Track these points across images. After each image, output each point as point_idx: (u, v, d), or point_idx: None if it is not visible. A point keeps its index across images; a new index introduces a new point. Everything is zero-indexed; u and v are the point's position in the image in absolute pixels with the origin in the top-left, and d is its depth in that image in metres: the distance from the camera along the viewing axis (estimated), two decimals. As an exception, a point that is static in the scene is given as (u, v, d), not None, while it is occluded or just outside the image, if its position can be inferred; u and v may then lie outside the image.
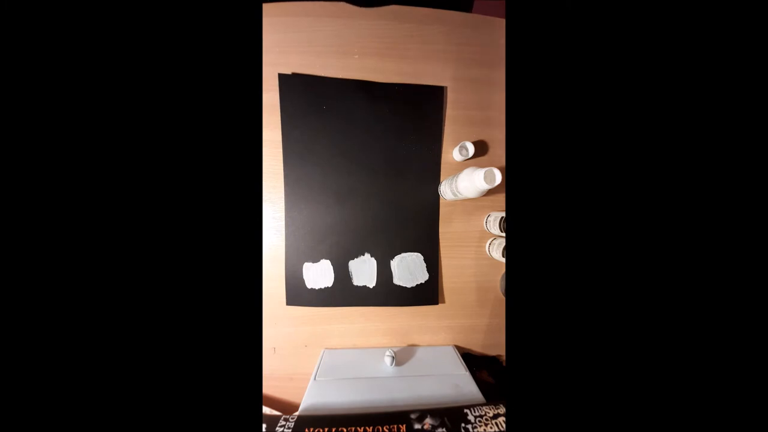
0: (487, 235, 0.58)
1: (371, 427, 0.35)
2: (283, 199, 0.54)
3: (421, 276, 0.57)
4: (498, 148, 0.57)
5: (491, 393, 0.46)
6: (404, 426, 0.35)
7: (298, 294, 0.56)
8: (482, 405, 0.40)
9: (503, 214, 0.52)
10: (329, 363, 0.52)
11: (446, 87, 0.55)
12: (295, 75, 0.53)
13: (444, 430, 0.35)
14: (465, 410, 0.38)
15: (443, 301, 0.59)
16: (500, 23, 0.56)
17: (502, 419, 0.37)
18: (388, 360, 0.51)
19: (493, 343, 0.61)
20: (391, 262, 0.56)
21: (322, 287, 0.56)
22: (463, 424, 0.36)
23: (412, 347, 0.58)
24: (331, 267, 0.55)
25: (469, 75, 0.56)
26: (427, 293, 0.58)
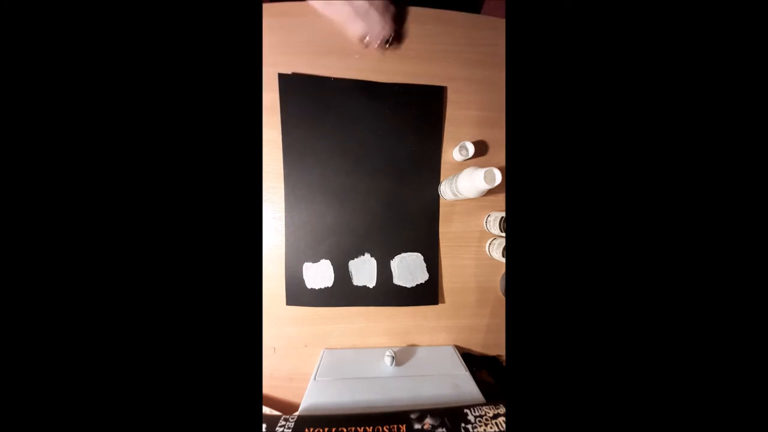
0: (487, 235, 0.58)
1: (371, 427, 0.35)
2: (283, 199, 0.54)
3: (421, 276, 0.57)
4: (498, 148, 0.57)
5: (491, 393, 0.46)
6: (404, 426, 0.35)
7: (298, 294, 0.56)
8: (482, 405, 0.40)
9: (503, 214, 0.52)
10: (329, 363, 0.52)
11: (446, 87, 0.55)
12: (295, 75, 0.53)
13: (444, 430, 0.35)
14: (465, 410, 0.38)
15: (443, 301, 0.59)
16: (500, 23, 0.56)
17: (502, 419, 0.37)
18: (388, 360, 0.51)
19: (493, 343, 0.61)
20: (391, 262, 0.56)
21: (322, 287, 0.56)
22: (463, 424, 0.36)
23: (412, 347, 0.58)
24: (331, 267, 0.55)
25: (469, 75, 0.56)
26: (427, 293, 0.58)
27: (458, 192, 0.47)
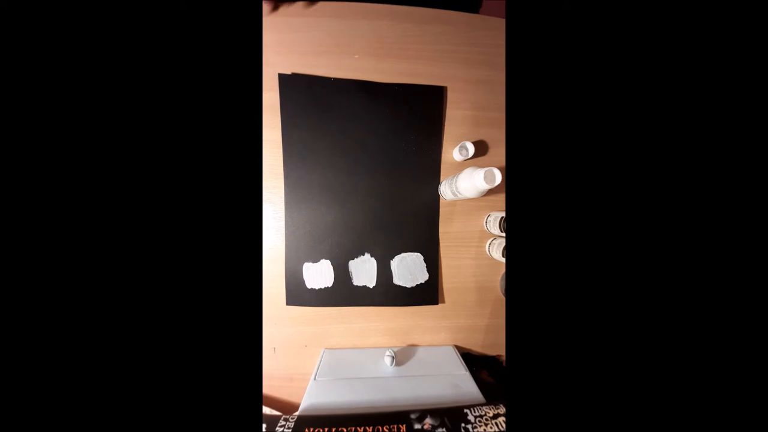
0: (487, 235, 0.58)
1: (371, 427, 0.35)
2: (283, 199, 0.54)
3: (421, 276, 0.57)
4: (498, 148, 0.57)
5: (491, 393, 0.46)
6: (404, 426, 0.35)
7: (298, 294, 0.56)
8: (482, 405, 0.40)
9: (503, 214, 0.52)
10: (329, 363, 0.52)
11: (446, 87, 0.55)
12: (295, 75, 0.53)
13: (444, 430, 0.35)
14: (465, 410, 0.38)
15: (443, 301, 0.59)
16: (500, 23, 0.56)
17: (502, 419, 0.37)
18: (388, 360, 0.51)
19: (493, 343, 0.61)
20: (391, 262, 0.56)
21: (322, 287, 0.56)
22: (463, 424, 0.36)
23: (412, 347, 0.58)
24: (331, 267, 0.55)
25: (469, 75, 0.56)
26: (427, 293, 0.58)
27: (458, 192, 0.47)
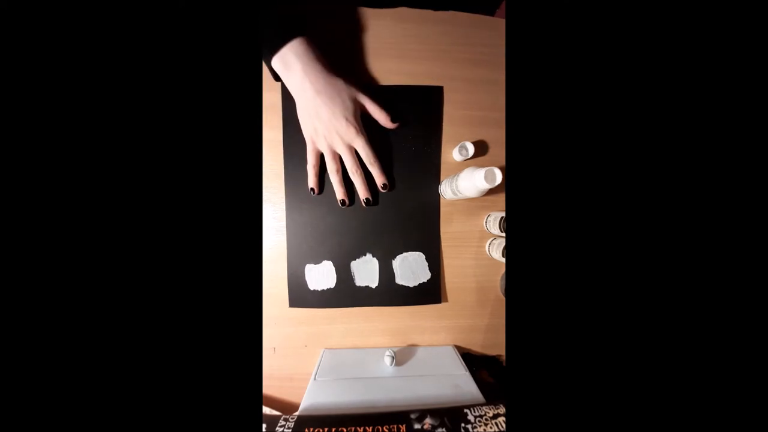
0: (487, 235, 0.58)
1: (371, 427, 0.35)
2: (283, 199, 0.54)
3: (424, 275, 0.57)
4: (498, 148, 0.57)
5: (491, 393, 0.46)
6: (404, 426, 0.35)
7: (301, 296, 0.56)
8: (482, 405, 0.39)
9: (503, 214, 0.52)
10: (329, 363, 0.52)
11: (444, 87, 0.55)
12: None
13: (444, 430, 0.35)
14: (465, 410, 0.38)
15: (446, 300, 0.59)
16: (500, 23, 0.56)
17: (502, 419, 0.37)
18: (388, 360, 0.51)
19: (493, 343, 0.61)
20: (393, 261, 0.56)
21: (325, 288, 0.56)
22: (463, 424, 0.36)
23: (412, 347, 0.58)
24: (333, 268, 0.55)
25: (468, 75, 0.56)
26: (430, 292, 0.57)
27: (458, 191, 0.47)
